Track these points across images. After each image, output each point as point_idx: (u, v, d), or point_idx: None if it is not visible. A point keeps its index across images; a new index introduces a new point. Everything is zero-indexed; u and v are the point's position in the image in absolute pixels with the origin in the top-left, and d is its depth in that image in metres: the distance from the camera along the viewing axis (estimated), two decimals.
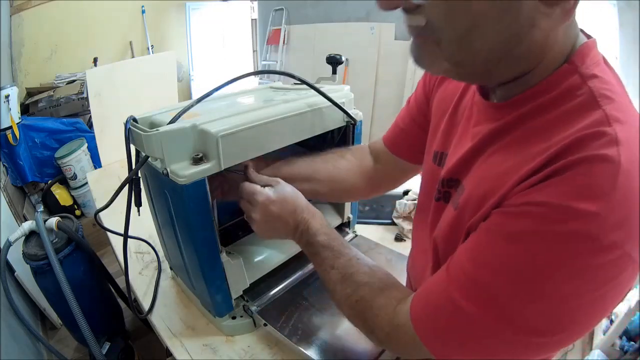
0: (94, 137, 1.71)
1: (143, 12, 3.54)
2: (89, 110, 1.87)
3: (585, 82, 0.33)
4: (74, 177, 2.33)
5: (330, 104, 0.65)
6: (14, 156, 2.15)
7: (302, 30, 3.35)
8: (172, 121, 0.54)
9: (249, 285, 0.70)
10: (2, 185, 1.91)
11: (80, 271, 1.12)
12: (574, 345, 1.14)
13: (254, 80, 3.21)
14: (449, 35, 0.33)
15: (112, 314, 1.31)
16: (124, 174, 0.54)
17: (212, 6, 4.12)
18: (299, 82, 0.66)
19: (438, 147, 0.51)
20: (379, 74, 2.88)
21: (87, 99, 2.18)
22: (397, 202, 1.03)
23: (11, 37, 2.72)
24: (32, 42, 2.84)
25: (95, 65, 3.08)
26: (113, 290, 1.31)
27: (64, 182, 2.38)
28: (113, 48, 3.40)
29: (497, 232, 0.32)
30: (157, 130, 0.52)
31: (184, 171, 0.52)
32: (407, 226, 0.99)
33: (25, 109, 2.54)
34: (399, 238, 0.98)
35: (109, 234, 0.86)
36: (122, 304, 1.38)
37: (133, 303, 0.79)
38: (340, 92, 0.72)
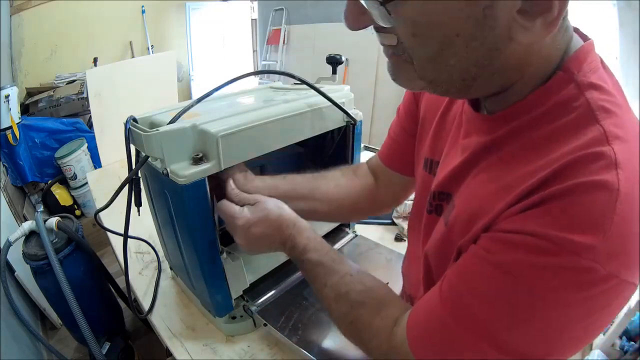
0: (94, 137, 1.71)
1: (143, 12, 3.54)
2: (89, 110, 1.87)
3: (582, 92, 0.31)
4: (74, 177, 2.33)
5: (330, 104, 0.65)
6: (14, 156, 2.15)
7: (302, 30, 3.35)
8: (172, 121, 0.54)
9: (249, 285, 0.70)
10: (2, 185, 1.91)
11: (80, 271, 1.12)
12: None
13: (254, 80, 3.21)
14: (419, 54, 0.31)
15: (112, 314, 1.31)
16: (124, 174, 0.54)
17: (212, 6, 4.11)
18: (299, 82, 0.66)
19: (427, 153, 0.49)
20: (379, 74, 2.87)
21: (87, 99, 2.18)
22: None
23: (11, 37, 2.72)
24: (32, 42, 2.83)
25: (95, 65, 3.08)
26: (113, 290, 1.31)
27: (64, 182, 2.38)
28: (113, 48, 3.40)
29: (487, 259, 0.31)
30: (157, 130, 0.52)
31: (184, 171, 0.52)
32: (407, 226, 0.99)
33: (25, 109, 2.54)
34: (399, 238, 0.98)
35: (109, 234, 0.85)
36: (122, 304, 1.38)
37: (133, 303, 0.79)
38: (340, 92, 0.72)
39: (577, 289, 0.27)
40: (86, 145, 2.39)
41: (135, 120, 0.58)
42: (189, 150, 0.55)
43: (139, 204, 0.58)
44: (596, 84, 0.31)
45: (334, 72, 0.77)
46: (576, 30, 0.34)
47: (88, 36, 3.15)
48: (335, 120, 0.70)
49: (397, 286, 0.72)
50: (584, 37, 0.35)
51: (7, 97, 2.04)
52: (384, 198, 0.67)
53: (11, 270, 1.34)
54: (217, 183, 0.62)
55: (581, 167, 0.28)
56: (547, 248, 0.27)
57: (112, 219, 0.89)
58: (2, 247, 1.04)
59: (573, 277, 0.27)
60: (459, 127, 0.43)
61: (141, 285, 0.86)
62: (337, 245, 0.85)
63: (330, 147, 0.80)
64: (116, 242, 0.95)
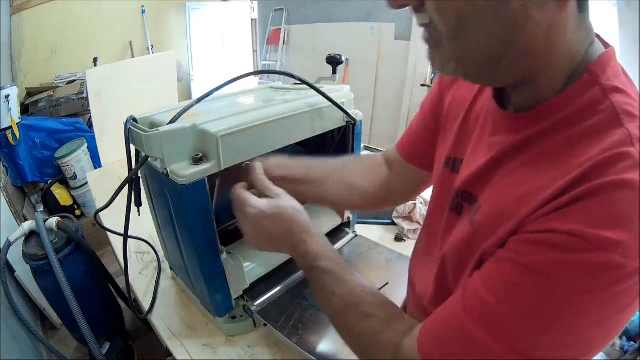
0: (94, 137, 1.71)
1: (143, 12, 3.54)
2: (89, 110, 1.87)
3: (606, 95, 0.32)
4: (74, 177, 2.33)
5: (330, 104, 0.65)
6: (14, 156, 2.15)
7: (302, 30, 3.35)
8: (172, 121, 0.54)
9: (249, 285, 0.70)
10: (2, 185, 1.91)
11: (80, 271, 1.12)
12: None
13: (254, 80, 3.21)
14: (445, 30, 0.33)
15: (112, 314, 1.32)
16: (124, 174, 0.54)
17: (212, 6, 4.12)
18: (299, 82, 0.66)
19: (451, 152, 0.49)
20: (379, 74, 2.88)
21: (87, 99, 2.18)
22: None
23: (11, 37, 2.72)
24: (32, 42, 2.84)
25: (95, 65, 3.08)
26: (113, 290, 1.31)
27: (64, 182, 2.38)
28: (113, 48, 3.40)
29: (516, 261, 0.31)
30: (157, 130, 0.52)
31: (184, 171, 0.52)
32: (407, 226, 0.99)
33: (25, 109, 2.55)
34: (399, 238, 0.98)
35: (109, 234, 0.85)
36: (122, 304, 1.38)
37: (133, 303, 0.79)
38: (340, 92, 0.72)
39: (608, 285, 0.28)
40: (86, 145, 2.39)
41: (135, 120, 0.58)
42: (189, 150, 0.55)
43: (139, 204, 0.58)
44: (620, 88, 0.32)
45: (334, 72, 0.77)
46: (597, 36, 0.35)
47: (88, 36, 3.15)
48: (335, 120, 0.70)
49: (397, 286, 0.72)
50: (605, 44, 0.35)
51: (7, 97, 2.04)
52: (398, 190, 0.65)
53: (11, 270, 1.34)
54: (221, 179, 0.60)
55: (608, 167, 0.29)
56: (577, 245, 0.28)
57: (112, 219, 0.89)
58: (2, 247, 1.04)
59: (604, 273, 0.27)
60: (484, 126, 0.43)
61: (141, 285, 0.86)
62: (337, 245, 0.85)
63: (330, 147, 0.80)
64: (116, 242, 0.95)
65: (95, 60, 3.14)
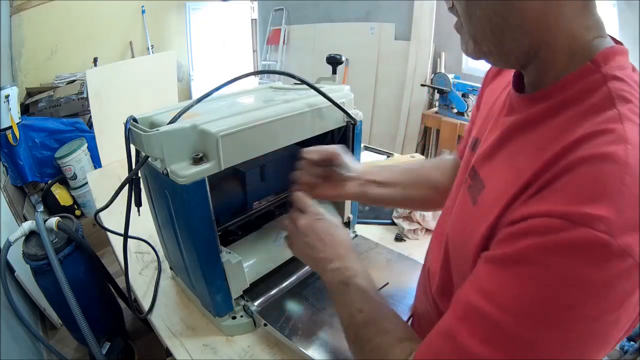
0: (94, 137, 1.71)
1: (143, 12, 3.54)
2: (89, 110, 1.87)
3: (605, 82, 0.32)
4: (74, 177, 2.33)
5: (330, 104, 0.65)
6: (14, 156, 2.15)
7: (302, 30, 3.35)
8: (172, 121, 0.54)
9: (249, 285, 0.70)
10: (2, 185, 1.91)
11: (80, 271, 1.12)
12: None
13: (254, 80, 3.21)
14: (461, 12, 0.36)
15: (112, 314, 1.31)
16: (124, 174, 0.54)
17: (212, 6, 4.12)
18: (299, 82, 0.66)
19: (476, 133, 0.50)
20: (379, 74, 2.87)
21: (87, 99, 2.18)
22: None
23: (11, 37, 2.72)
24: (32, 42, 2.84)
25: (95, 65, 3.08)
26: (113, 290, 1.31)
27: (64, 182, 2.38)
28: (113, 48, 3.40)
29: (498, 258, 0.31)
30: (157, 130, 0.52)
31: (184, 171, 0.52)
32: (407, 226, 0.99)
33: (25, 109, 2.55)
34: (399, 238, 0.98)
35: (109, 234, 0.85)
36: (122, 304, 1.38)
37: (133, 303, 0.79)
38: (340, 92, 0.72)
39: (594, 268, 0.25)
40: (86, 145, 2.39)
41: (135, 120, 0.58)
42: (189, 150, 0.55)
43: (139, 204, 0.58)
44: (620, 76, 0.32)
45: (334, 72, 0.77)
46: (613, 39, 0.36)
47: (88, 36, 3.15)
48: (335, 120, 0.70)
49: (397, 286, 0.72)
50: (619, 44, 0.36)
51: (7, 97, 2.04)
52: None
53: (11, 270, 1.34)
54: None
55: (589, 141, 0.28)
56: (555, 225, 0.26)
57: (112, 219, 0.89)
58: (2, 247, 1.04)
59: (586, 253, 0.25)
60: (502, 108, 0.44)
61: (141, 285, 0.86)
62: None
63: None
64: (116, 242, 0.95)
65: (95, 60, 3.14)
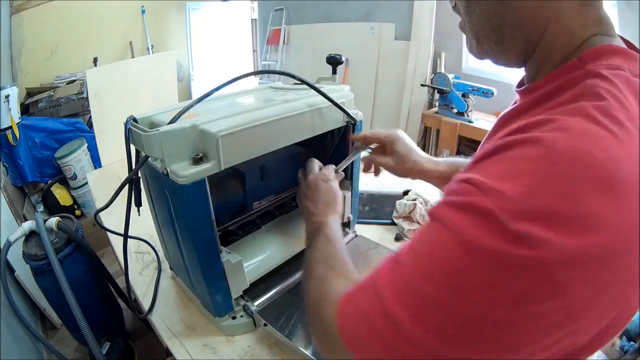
0: (94, 137, 1.71)
1: (143, 12, 3.54)
2: (89, 110, 1.87)
3: (585, 78, 0.30)
4: (74, 177, 2.33)
5: (330, 104, 0.65)
6: (14, 156, 2.15)
7: (302, 30, 3.35)
8: (172, 121, 0.54)
9: (249, 285, 0.70)
10: (2, 185, 1.91)
11: (80, 271, 1.12)
12: None
13: (254, 80, 3.21)
14: (462, 11, 0.37)
15: (112, 314, 1.31)
16: (124, 174, 0.54)
17: (212, 6, 4.12)
18: (299, 82, 0.66)
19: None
20: (379, 74, 2.87)
21: (87, 99, 2.18)
22: (397, 202, 1.03)
23: (11, 37, 2.72)
24: (32, 42, 2.83)
25: (95, 65, 3.08)
26: (113, 290, 1.31)
27: (64, 182, 2.38)
28: (113, 48, 3.40)
29: (429, 215, 0.32)
30: (157, 130, 0.52)
31: (184, 171, 0.52)
32: (407, 226, 0.99)
33: (25, 109, 2.54)
34: (399, 238, 0.98)
35: (109, 234, 0.86)
36: (122, 304, 1.38)
37: (133, 303, 0.79)
38: (340, 92, 0.72)
39: (486, 238, 0.25)
40: (86, 145, 2.39)
41: (135, 120, 0.58)
42: (189, 150, 0.55)
43: (139, 204, 0.58)
44: (605, 75, 0.30)
45: (334, 72, 0.77)
46: (621, 37, 0.35)
47: (88, 36, 3.15)
48: (335, 120, 0.70)
49: None
50: (631, 46, 0.34)
51: (7, 97, 2.04)
52: None
53: (11, 270, 1.34)
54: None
55: (534, 127, 0.28)
56: (467, 190, 0.27)
57: (112, 219, 0.89)
58: (2, 247, 1.04)
59: (478, 220, 0.25)
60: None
61: (141, 285, 0.86)
62: None
63: (330, 147, 0.80)
64: (116, 242, 0.95)
65: (95, 60, 3.14)
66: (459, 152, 2.28)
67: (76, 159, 2.31)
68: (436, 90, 2.32)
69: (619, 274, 0.25)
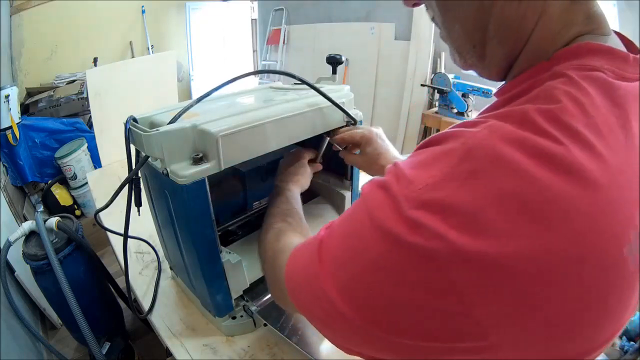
0: (94, 137, 1.71)
1: (143, 12, 3.54)
2: (89, 110, 1.87)
3: (548, 79, 0.28)
4: (74, 177, 2.33)
5: (330, 103, 0.65)
6: (14, 156, 2.15)
7: (302, 30, 3.35)
8: (172, 121, 0.54)
9: (249, 285, 0.70)
10: (2, 185, 1.91)
11: (80, 271, 1.12)
12: None
13: (254, 80, 3.21)
14: (440, 24, 0.35)
15: (112, 314, 1.31)
16: (124, 174, 0.54)
17: (212, 6, 4.12)
18: (299, 82, 0.66)
19: None
20: (379, 74, 2.88)
21: (87, 99, 2.18)
22: None
23: (11, 37, 2.72)
24: (32, 42, 2.84)
25: (95, 65, 3.08)
26: (113, 290, 1.31)
27: (64, 182, 2.38)
28: (113, 48, 3.40)
29: None
30: (157, 130, 0.52)
31: (184, 171, 0.52)
32: None
33: (25, 109, 2.55)
34: None
35: (109, 234, 0.85)
36: (122, 304, 1.38)
37: (133, 303, 0.79)
38: (340, 92, 0.72)
39: (382, 212, 0.26)
40: (86, 145, 2.39)
41: (135, 120, 0.58)
42: (189, 150, 0.55)
43: (139, 204, 0.58)
44: (570, 75, 0.27)
45: (334, 72, 0.77)
46: (626, 40, 0.32)
47: (88, 36, 3.15)
48: (335, 120, 0.70)
49: None
50: (630, 44, 0.32)
51: (7, 97, 2.04)
52: None
53: (11, 270, 1.34)
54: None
55: (465, 127, 0.28)
56: (390, 171, 0.29)
57: (112, 219, 0.89)
58: (2, 247, 1.04)
59: (384, 198, 0.27)
60: None
61: (141, 285, 0.85)
62: None
63: (331, 148, 0.80)
64: (116, 242, 0.95)
65: (95, 60, 3.14)
66: None
67: (76, 159, 2.31)
68: (436, 90, 2.32)
69: (547, 295, 0.22)
